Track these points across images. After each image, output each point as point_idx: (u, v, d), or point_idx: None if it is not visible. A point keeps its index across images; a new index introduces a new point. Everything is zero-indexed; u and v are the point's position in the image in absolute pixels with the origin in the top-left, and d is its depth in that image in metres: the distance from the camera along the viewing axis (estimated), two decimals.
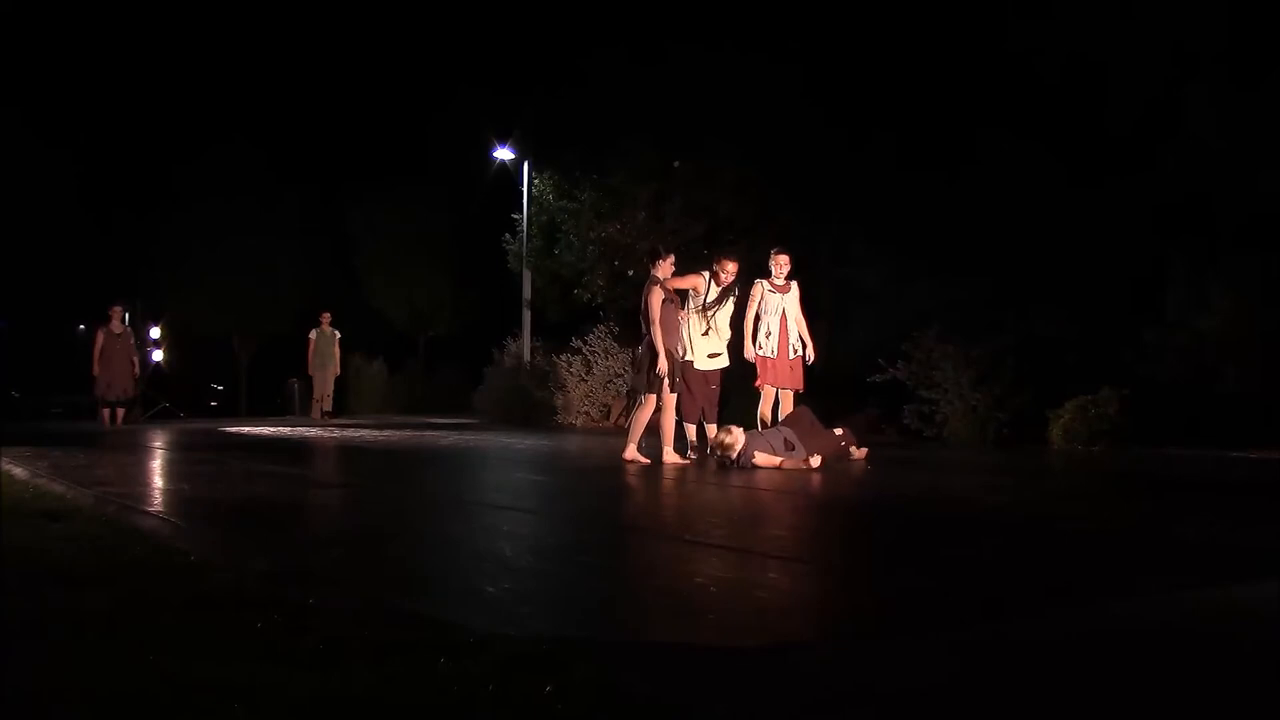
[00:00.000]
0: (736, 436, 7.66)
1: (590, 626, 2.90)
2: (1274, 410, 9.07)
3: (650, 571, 3.91)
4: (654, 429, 8.40)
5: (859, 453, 8.32)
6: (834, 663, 2.53)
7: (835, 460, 7.85)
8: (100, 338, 15.22)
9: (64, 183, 25.16)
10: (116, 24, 28.32)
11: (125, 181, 27.28)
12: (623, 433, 9.71)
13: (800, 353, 8.81)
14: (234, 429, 14.90)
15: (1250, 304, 9.86)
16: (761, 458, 7.55)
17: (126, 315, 16.01)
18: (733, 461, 7.59)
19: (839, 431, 8.14)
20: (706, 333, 8.58)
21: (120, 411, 15.40)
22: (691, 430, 8.67)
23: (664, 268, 8.33)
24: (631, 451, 8.23)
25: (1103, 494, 6.87)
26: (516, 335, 18.62)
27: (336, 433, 13.71)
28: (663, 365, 8.10)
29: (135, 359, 15.73)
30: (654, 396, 8.24)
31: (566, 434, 13.74)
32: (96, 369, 15.12)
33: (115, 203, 27.01)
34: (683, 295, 8.54)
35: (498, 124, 19.71)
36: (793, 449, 7.62)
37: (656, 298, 8.17)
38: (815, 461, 7.58)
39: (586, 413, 15.95)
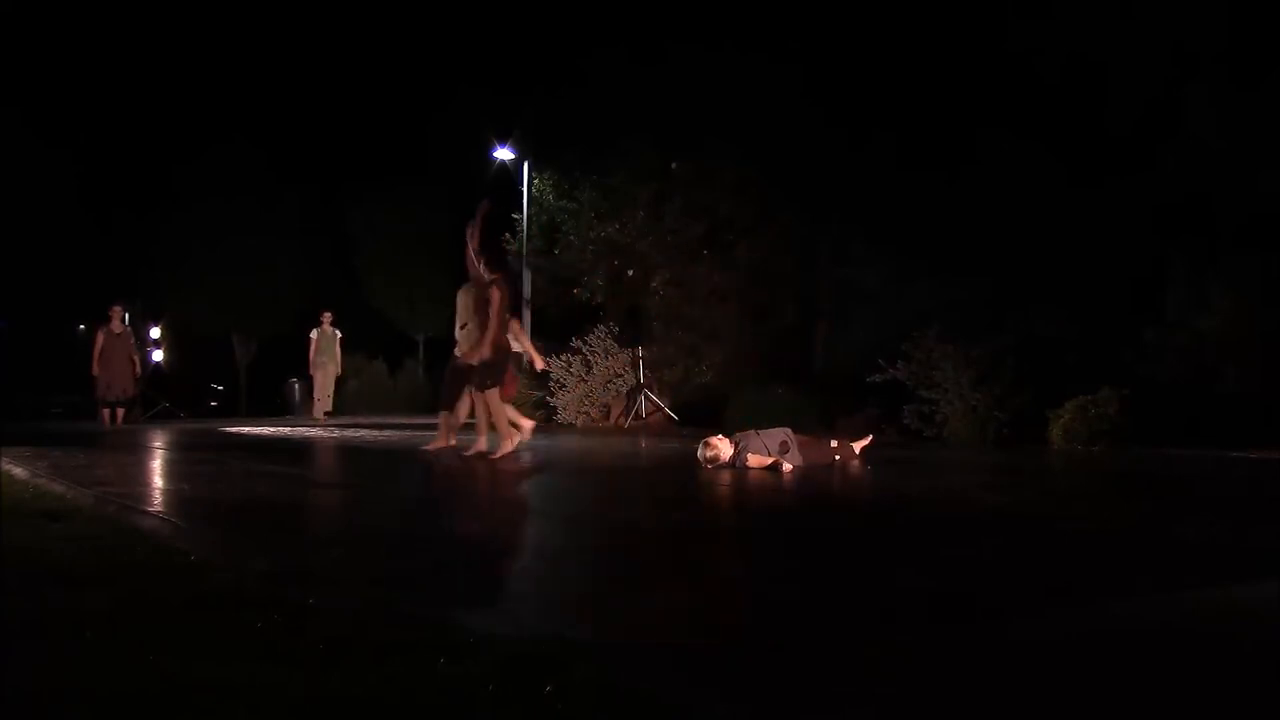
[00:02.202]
0: (719, 448, 7.64)
1: (590, 627, 2.91)
2: (1274, 410, 9.07)
3: (650, 571, 3.91)
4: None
5: (860, 443, 8.37)
6: (834, 663, 2.53)
7: (825, 469, 7.80)
8: (100, 338, 15.22)
9: (64, 183, 25.14)
10: (116, 24, 28.27)
11: (125, 181, 27.25)
12: (624, 433, 9.71)
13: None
14: (234, 429, 14.90)
15: (1250, 304, 9.87)
16: (754, 459, 7.53)
17: (126, 315, 16.01)
18: (727, 463, 7.58)
19: (834, 443, 8.18)
20: None
21: (120, 411, 15.39)
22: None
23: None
24: (510, 444, 8.69)
25: (1103, 494, 6.87)
26: None
27: (336, 433, 13.70)
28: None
29: (135, 359, 15.72)
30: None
31: (566, 434, 13.73)
32: (96, 369, 15.12)
33: (115, 203, 26.97)
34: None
35: (498, 124, 19.74)
36: (787, 450, 7.60)
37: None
38: (787, 467, 7.48)
39: (586, 413, 15.94)
